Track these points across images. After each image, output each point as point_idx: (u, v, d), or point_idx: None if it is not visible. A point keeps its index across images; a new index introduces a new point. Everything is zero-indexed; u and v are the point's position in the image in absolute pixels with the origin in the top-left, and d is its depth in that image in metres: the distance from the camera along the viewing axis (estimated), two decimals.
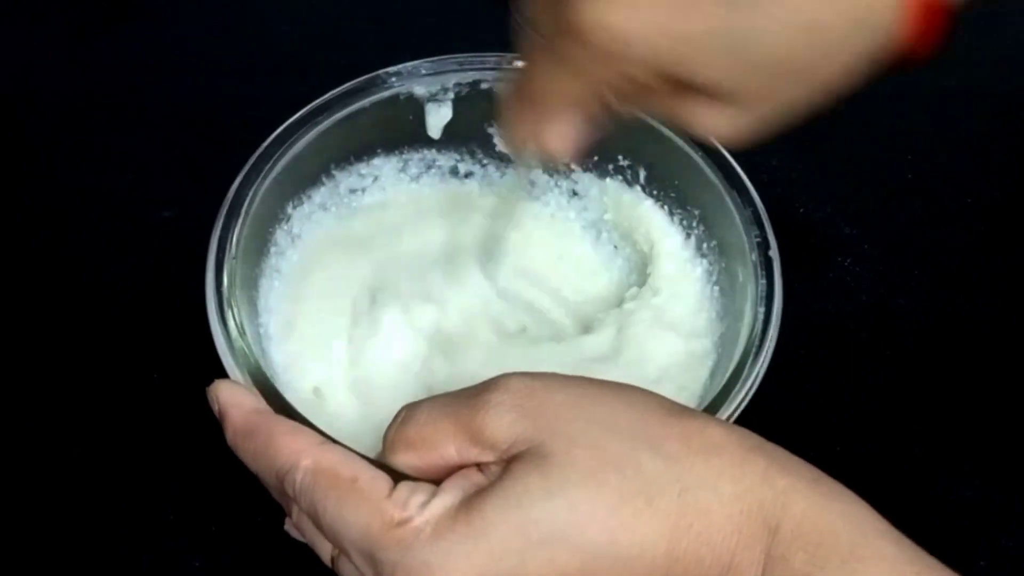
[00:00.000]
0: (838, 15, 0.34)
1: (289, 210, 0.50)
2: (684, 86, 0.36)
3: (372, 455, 0.36)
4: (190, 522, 0.49)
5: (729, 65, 0.35)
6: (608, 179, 0.53)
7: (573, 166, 0.53)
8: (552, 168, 0.51)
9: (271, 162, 0.47)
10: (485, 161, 0.54)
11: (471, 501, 0.33)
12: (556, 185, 0.55)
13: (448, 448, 0.34)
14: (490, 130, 0.53)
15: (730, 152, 0.48)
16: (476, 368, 0.49)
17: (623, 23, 0.34)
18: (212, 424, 0.39)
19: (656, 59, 0.35)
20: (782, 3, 0.34)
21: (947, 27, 0.36)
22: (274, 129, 0.48)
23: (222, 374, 0.41)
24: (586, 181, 0.54)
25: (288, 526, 0.40)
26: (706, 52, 0.34)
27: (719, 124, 0.38)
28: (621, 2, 0.34)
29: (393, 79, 0.50)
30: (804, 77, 0.36)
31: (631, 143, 0.51)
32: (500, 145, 0.51)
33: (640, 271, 0.53)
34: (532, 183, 0.54)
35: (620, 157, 0.53)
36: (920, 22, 0.35)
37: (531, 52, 0.38)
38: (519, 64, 0.40)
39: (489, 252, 0.51)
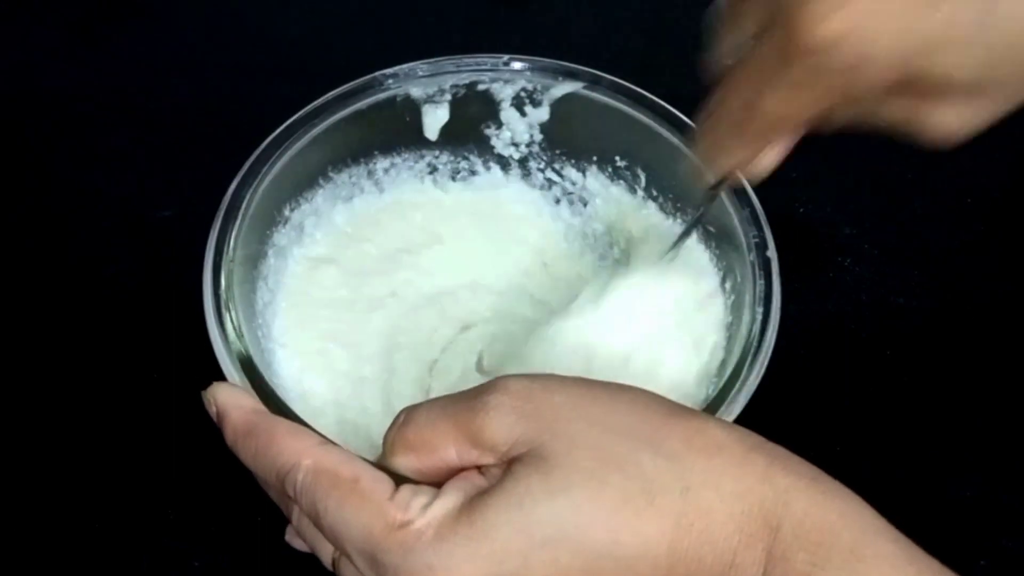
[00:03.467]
0: None
1: (287, 212, 0.50)
2: (920, 87, 0.34)
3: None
4: (190, 522, 0.49)
5: (977, 57, 0.34)
6: (610, 182, 0.53)
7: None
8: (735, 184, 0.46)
9: (268, 164, 0.47)
10: (483, 161, 0.54)
11: (473, 503, 0.33)
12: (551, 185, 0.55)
13: (448, 450, 0.34)
14: (487, 131, 0.53)
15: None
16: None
17: (863, 31, 0.32)
18: (212, 423, 0.39)
19: (903, 62, 0.33)
20: None
21: None
22: (274, 129, 0.48)
23: (221, 374, 0.41)
24: (589, 182, 0.54)
25: (289, 536, 0.40)
26: (955, 49, 0.33)
27: (958, 120, 0.36)
28: (853, 7, 0.32)
29: (390, 81, 0.50)
30: None
31: (629, 144, 0.52)
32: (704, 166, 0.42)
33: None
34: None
35: (618, 158, 0.53)
36: None
37: (750, 68, 0.36)
38: (720, 83, 0.37)
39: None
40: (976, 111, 0.36)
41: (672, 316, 0.47)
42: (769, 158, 0.38)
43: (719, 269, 0.49)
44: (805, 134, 0.38)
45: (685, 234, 0.47)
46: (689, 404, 0.39)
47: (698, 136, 0.40)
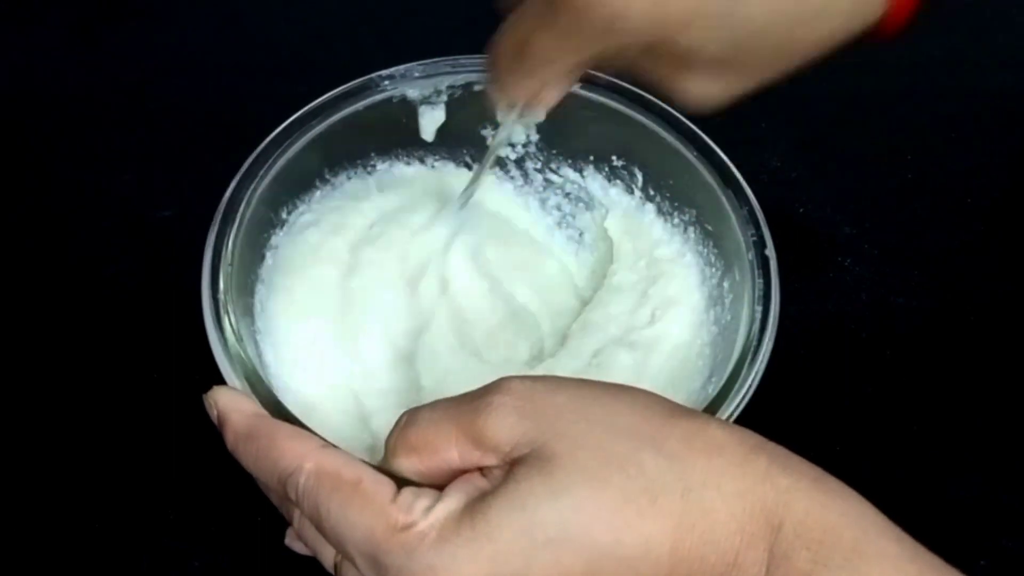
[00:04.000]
0: None
1: (284, 215, 0.50)
2: (672, 57, 0.38)
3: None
4: (190, 522, 0.49)
5: (722, 40, 0.38)
6: (607, 182, 0.53)
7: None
8: (525, 123, 0.51)
9: (265, 167, 0.47)
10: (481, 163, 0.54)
11: (475, 504, 0.33)
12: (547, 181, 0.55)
13: (450, 452, 0.34)
14: (483, 132, 0.53)
15: (727, 152, 0.48)
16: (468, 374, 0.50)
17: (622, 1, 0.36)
18: (212, 424, 0.39)
19: (653, 34, 0.37)
20: None
21: (921, 3, 0.39)
22: (274, 129, 0.48)
23: (221, 375, 0.41)
24: (588, 183, 0.54)
25: (289, 540, 0.40)
26: (702, 28, 0.37)
27: (701, 91, 0.41)
28: None
29: (386, 82, 0.50)
30: (786, 49, 0.39)
31: (627, 144, 0.52)
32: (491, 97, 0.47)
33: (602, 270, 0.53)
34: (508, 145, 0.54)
35: (615, 158, 0.53)
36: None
37: (527, 13, 0.40)
38: (507, 23, 0.42)
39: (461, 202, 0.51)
40: (720, 86, 0.41)
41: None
42: (550, 95, 0.43)
43: (716, 267, 0.49)
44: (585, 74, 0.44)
45: (481, 168, 0.50)
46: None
47: (487, 67, 0.44)
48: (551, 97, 0.43)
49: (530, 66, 0.41)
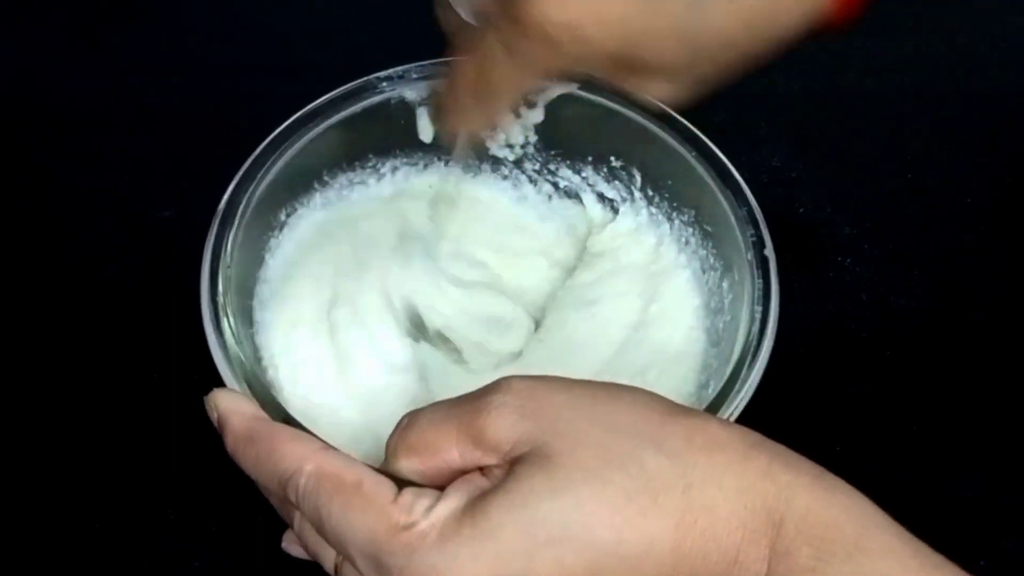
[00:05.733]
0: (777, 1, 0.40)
1: (282, 217, 0.50)
2: (632, 66, 0.40)
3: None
4: (190, 522, 0.49)
5: (679, 51, 0.40)
6: (605, 183, 0.54)
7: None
8: (480, 149, 0.53)
9: (263, 170, 0.47)
10: (478, 163, 0.54)
11: (476, 503, 0.33)
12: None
13: (451, 452, 0.34)
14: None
15: (727, 152, 0.48)
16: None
17: (582, 22, 0.37)
18: (212, 424, 0.39)
19: (611, 49, 0.38)
20: None
21: (868, 2, 0.42)
22: (274, 129, 0.48)
23: (221, 376, 0.41)
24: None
25: (286, 543, 0.40)
26: (660, 41, 0.39)
27: (662, 94, 0.44)
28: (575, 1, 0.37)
29: (384, 84, 0.50)
30: (741, 54, 0.42)
31: (624, 144, 0.52)
32: (441, 130, 0.49)
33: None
34: (474, 166, 0.55)
35: (613, 158, 0.53)
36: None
37: (470, 40, 0.40)
38: (457, 56, 0.42)
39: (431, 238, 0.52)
40: (678, 88, 0.43)
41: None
42: (504, 114, 0.45)
43: (716, 267, 0.49)
44: None
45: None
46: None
47: (442, 101, 0.44)
48: (504, 118, 0.44)
49: (491, 93, 0.41)
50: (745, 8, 0.40)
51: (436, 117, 0.46)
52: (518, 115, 0.47)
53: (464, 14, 0.41)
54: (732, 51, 0.41)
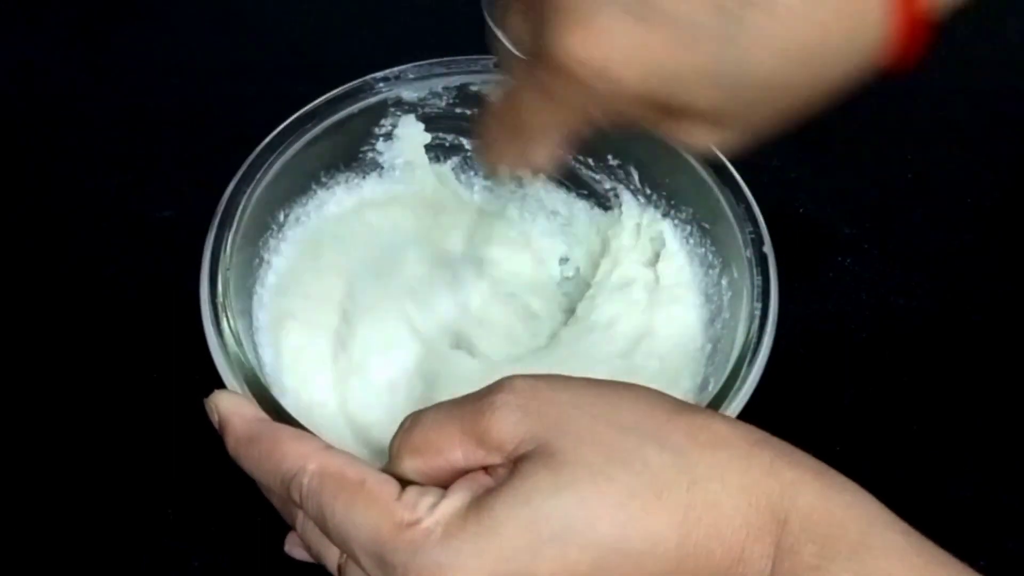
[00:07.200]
0: (826, 38, 0.34)
1: (281, 218, 0.50)
2: (668, 109, 0.36)
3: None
4: (190, 522, 0.49)
5: (722, 94, 0.35)
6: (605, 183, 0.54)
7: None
8: (525, 181, 0.52)
9: (262, 171, 0.47)
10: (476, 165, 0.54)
11: (480, 501, 0.33)
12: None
13: (454, 452, 0.34)
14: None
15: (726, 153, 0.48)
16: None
17: (609, 61, 0.34)
18: (211, 424, 0.39)
19: (646, 93, 0.35)
20: (773, 33, 0.33)
21: (931, 38, 0.36)
22: (273, 129, 0.48)
23: (221, 377, 0.41)
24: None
25: (288, 546, 0.40)
26: (699, 85, 0.34)
27: (710, 141, 0.38)
28: (604, 37, 0.33)
29: (381, 84, 0.50)
30: (793, 96, 0.36)
31: (621, 143, 0.52)
32: (479, 162, 0.50)
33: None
34: (512, 197, 0.54)
35: (610, 157, 0.53)
36: (906, 36, 0.35)
37: (512, 73, 0.38)
38: (500, 84, 0.40)
39: (467, 268, 0.51)
40: (735, 136, 0.38)
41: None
42: (545, 157, 0.40)
43: (715, 265, 0.49)
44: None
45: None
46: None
47: (481, 133, 0.42)
48: (542, 157, 0.40)
49: (523, 133, 0.39)
50: (787, 47, 0.35)
51: (476, 148, 0.44)
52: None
53: (509, 45, 0.39)
54: (777, 93, 0.36)
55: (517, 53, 0.37)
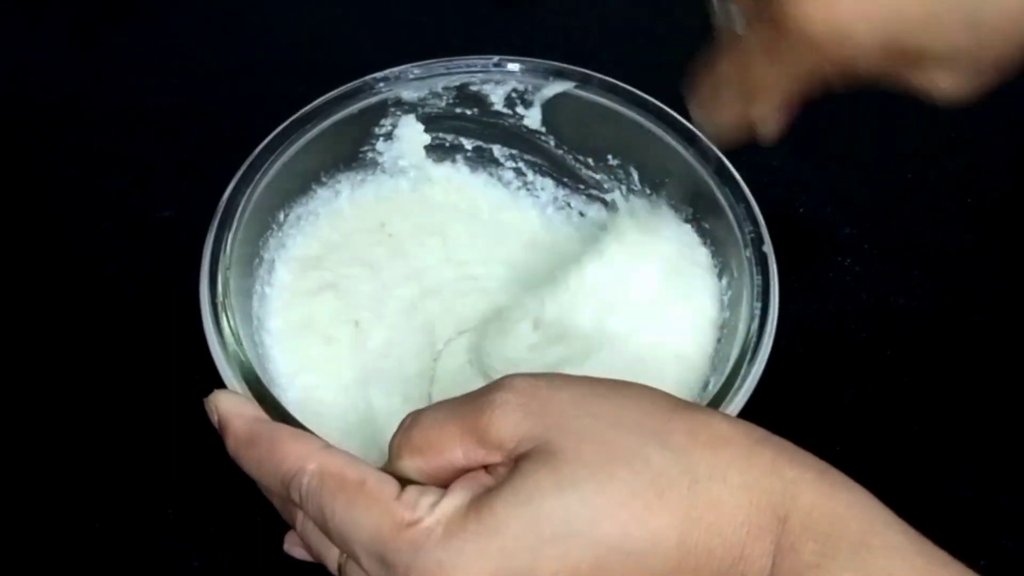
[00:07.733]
0: None
1: (281, 217, 0.50)
2: (906, 58, 0.36)
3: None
4: (190, 522, 0.49)
5: (963, 35, 0.35)
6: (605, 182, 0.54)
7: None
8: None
9: (261, 171, 0.47)
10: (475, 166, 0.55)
11: (481, 500, 0.33)
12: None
13: (455, 451, 0.34)
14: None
15: (726, 152, 0.48)
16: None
17: (847, 14, 0.34)
18: (211, 424, 0.39)
19: (885, 43, 0.35)
20: None
21: None
22: (273, 128, 0.48)
23: (221, 376, 0.41)
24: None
25: (288, 545, 0.40)
26: (939, 28, 0.35)
27: (946, 84, 0.38)
28: None
29: (381, 84, 0.50)
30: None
31: (621, 142, 0.52)
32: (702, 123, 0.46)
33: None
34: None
35: (610, 157, 0.53)
36: None
37: (737, 39, 0.38)
38: (718, 47, 0.39)
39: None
40: (973, 79, 0.38)
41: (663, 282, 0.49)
42: (767, 116, 0.40)
43: (715, 264, 0.49)
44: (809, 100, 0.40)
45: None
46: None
47: (698, 92, 0.41)
48: (767, 120, 0.40)
49: (749, 94, 0.39)
50: None
51: (694, 104, 0.42)
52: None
53: (722, 11, 0.39)
54: (1018, 34, 0.36)
55: (740, 18, 0.37)
